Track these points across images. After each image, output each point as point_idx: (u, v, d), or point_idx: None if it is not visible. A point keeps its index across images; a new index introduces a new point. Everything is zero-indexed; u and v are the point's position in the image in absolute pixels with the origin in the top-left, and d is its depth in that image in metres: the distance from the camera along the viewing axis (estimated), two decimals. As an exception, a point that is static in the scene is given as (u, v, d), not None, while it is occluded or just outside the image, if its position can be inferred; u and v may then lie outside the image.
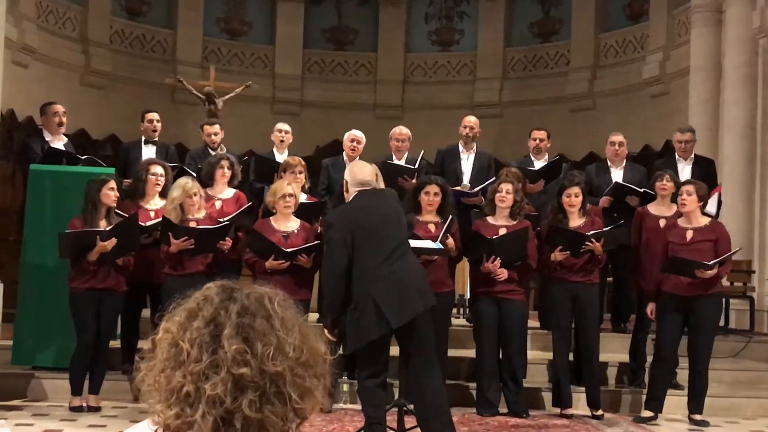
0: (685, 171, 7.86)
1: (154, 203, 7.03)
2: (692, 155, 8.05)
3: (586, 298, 6.68)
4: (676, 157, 8.05)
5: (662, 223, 6.96)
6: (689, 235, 6.50)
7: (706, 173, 7.85)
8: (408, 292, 5.13)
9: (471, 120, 8.41)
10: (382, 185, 5.53)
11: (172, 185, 6.76)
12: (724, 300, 7.82)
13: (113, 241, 6.24)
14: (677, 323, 6.47)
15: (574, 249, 6.58)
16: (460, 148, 8.28)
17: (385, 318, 5.02)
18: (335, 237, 5.19)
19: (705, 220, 6.63)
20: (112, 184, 6.45)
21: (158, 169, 7.07)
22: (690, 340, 6.55)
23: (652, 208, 7.15)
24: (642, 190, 7.59)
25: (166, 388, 1.43)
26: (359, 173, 5.42)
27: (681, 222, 6.62)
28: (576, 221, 6.74)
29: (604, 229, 6.72)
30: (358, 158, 7.84)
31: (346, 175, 5.51)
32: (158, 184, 7.03)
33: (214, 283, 1.52)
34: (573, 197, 6.70)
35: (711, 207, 7.53)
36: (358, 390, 5.56)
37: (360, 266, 5.14)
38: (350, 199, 5.40)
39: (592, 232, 6.57)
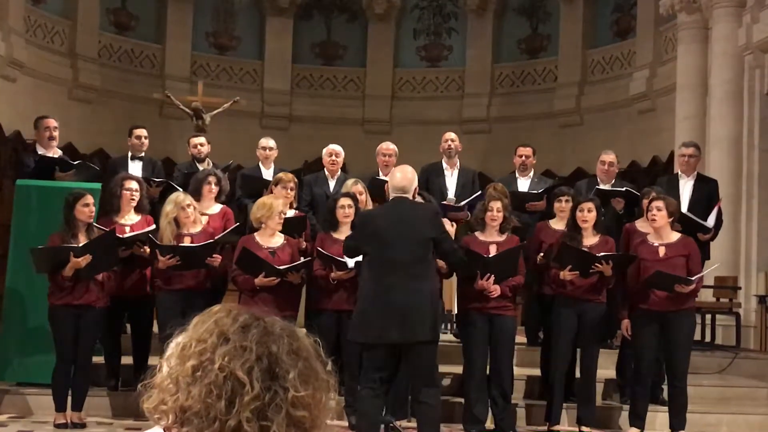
0: (686, 187, 7.79)
1: (129, 218, 6.93)
2: (695, 172, 7.94)
3: (593, 316, 6.59)
4: (679, 173, 8.00)
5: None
6: (662, 251, 6.44)
7: (709, 194, 7.80)
8: (392, 321, 5.26)
9: (451, 134, 8.50)
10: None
11: (165, 201, 6.74)
12: (699, 315, 7.78)
13: (87, 257, 6.15)
14: (654, 338, 6.43)
15: (584, 269, 6.48)
16: (444, 164, 8.32)
17: (361, 331, 5.38)
18: (350, 245, 5.71)
19: (675, 236, 6.53)
20: (87, 199, 6.33)
21: (132, 184, 6.95)
22: (667, 356, 6.51)
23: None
24: (624, 189, 7.61)
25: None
26: (392, 178, 5.56)
27: (651, 239, 6.55)
28: (590, 240, 6.65)
29: (614, 253, 6.60)
30: (339, 171, 7.96)
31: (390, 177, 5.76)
32: (133, 200, 6.91)
33: (250, 316, 1.46)
34: (586, 212, 6.60)
35: (710, 221, 7.52)
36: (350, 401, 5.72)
37: (367, 273, 5.44)
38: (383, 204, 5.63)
39: (602, 254, 6.48)
